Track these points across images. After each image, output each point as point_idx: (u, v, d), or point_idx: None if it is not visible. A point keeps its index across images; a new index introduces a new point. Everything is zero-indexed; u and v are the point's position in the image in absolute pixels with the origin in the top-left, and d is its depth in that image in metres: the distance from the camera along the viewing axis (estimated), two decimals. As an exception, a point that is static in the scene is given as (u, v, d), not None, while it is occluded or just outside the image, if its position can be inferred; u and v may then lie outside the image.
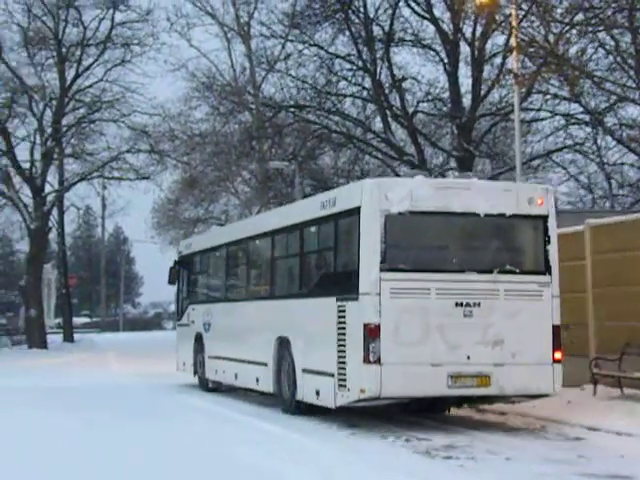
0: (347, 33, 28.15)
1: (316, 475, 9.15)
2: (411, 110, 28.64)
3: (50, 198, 35.80)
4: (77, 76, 35.22)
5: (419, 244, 12.30)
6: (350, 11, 27.78)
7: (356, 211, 11.96)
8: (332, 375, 12.14)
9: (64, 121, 35.47)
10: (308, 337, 13.29)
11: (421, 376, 11.60)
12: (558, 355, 12.11)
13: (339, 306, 12.17)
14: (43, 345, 34.03)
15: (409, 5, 27.51)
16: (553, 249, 12.29)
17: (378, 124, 29.64)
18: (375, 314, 11.48)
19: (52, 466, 9.43)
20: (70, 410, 14.29)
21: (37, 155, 34.99)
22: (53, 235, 40.86)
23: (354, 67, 28.82)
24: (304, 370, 13.25)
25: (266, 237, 15.49)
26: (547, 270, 12.23)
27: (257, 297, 16.14)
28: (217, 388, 18.18)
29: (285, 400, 14.06)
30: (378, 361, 11.38)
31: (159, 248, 47.69)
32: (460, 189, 12.19)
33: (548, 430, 12.20)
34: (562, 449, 10.68)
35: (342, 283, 12.31)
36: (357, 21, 28.11)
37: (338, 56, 28.78)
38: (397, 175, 31.71)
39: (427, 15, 27.28)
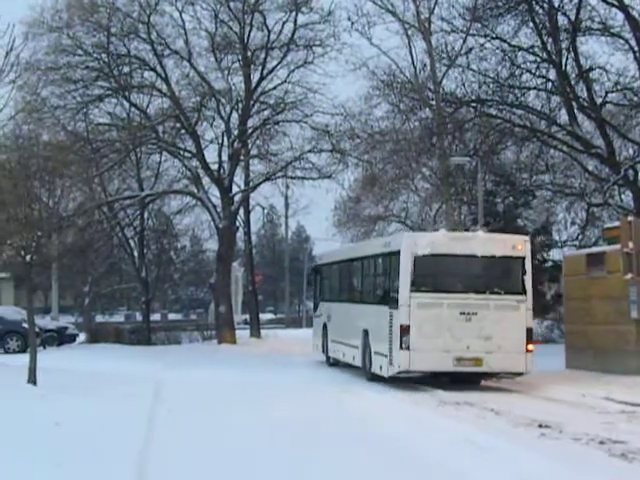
0: (531, 24, 27.45)
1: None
2: (599, 101, 27.63)
3: (237, 198, 36.69)
4: (262, 79, 35.97)
5: (436, 274, 18.35)
6: (534, 1, 27.12)
7: (398, 252, 18.21)
8: (386, 356, 18.29)
9: (249, 123, 36.30)
10: (377, 331, 19.28)
11: (436, 358, 17.61)
12: (530, 347, 17.72)
13: (390, 312, 18.31)
14: (232, 340, 35.05)
15: (596, -7, 26.58)
16: (528, 278, 18.01)
17: (563, 116, 28.74)
18: (407, 318, 17.63)
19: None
20: (264, 389, 17.79)
21: (224, 156, 36.02)
22: (240, 234, 42.01)
23: (538, 59, 28.06)
24: (375, 352, 19.28)
25: (358, 260, 22.46)
26: (523, 292, 17.99)
27: (353, 301, 22.55)
28: (335, 363, 23.77)
29: (367, 372, 19.83)
30: (408, 348, 17.50)
31: (340, 246, 48.07)
32: (465, 239, 18.94)
33: None
34: None
35: (391, 297, 18.52)
36: (541, 11, 27.36)
37: (521, 48, 28.10)
38: (585, 170, 31.01)
39: (615, 2, 26.22)
